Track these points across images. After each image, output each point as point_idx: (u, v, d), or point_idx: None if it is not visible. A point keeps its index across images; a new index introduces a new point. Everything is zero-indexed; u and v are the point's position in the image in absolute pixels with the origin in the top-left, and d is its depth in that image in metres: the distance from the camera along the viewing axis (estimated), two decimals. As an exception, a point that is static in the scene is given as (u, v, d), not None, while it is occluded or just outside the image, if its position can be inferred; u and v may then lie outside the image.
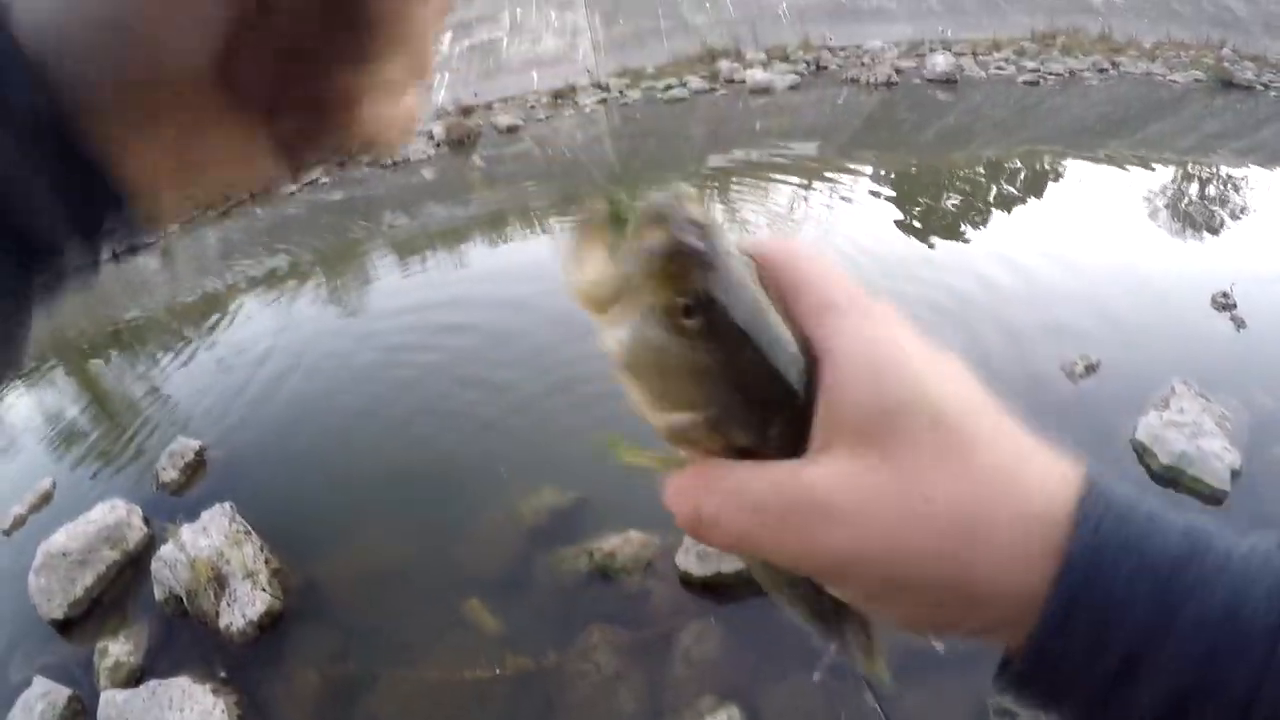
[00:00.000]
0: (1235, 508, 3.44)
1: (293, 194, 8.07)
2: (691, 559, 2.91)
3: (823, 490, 0.30)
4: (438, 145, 9.22)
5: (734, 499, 0.31)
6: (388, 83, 0.31)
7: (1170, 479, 3.54)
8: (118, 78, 0.27)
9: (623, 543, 3.03)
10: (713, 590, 2.89)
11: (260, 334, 5.68)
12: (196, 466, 4.11)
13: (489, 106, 10.54)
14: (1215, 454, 3.58)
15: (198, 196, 0.32)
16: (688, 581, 2.92)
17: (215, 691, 2.73)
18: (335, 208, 7.95)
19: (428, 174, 8.81)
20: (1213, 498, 3.47)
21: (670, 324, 0.30)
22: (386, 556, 3.29)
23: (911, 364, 0.30)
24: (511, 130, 9.86)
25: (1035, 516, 0.29)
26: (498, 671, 2.71)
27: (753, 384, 0.31)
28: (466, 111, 10.03)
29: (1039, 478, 0.30)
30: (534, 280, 5.50)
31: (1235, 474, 3.56)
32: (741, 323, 0.30)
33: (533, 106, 10.85)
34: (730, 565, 2.88)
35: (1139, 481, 3.53)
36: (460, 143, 9.26)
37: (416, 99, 0.33)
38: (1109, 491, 0.30)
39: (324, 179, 8.38)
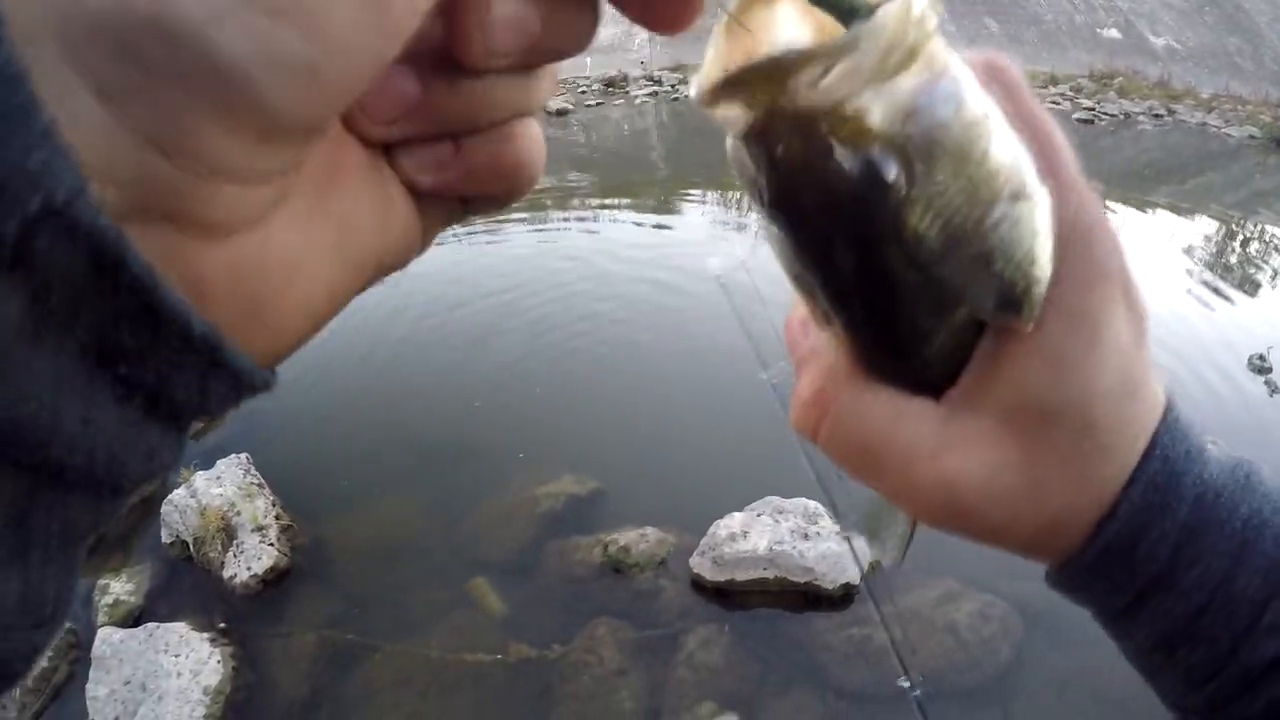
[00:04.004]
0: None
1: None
2: (706, 563, 2.90)
3: (953, 476, 0.29)
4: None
5: (844, 429, 0.31)
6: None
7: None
8: None
9: (638, 538, 3.02)
10: (724, 596, 2.88)
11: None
12: (215, 414, 4.11)
13: (543, 89, 10.57)
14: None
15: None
16: (700, 585, 2.90)
17: (213, 641, 2.73)
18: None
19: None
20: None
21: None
22: (397, 526, 3.28)
23: (1103, 369, 0.29)
24: (561, 114, 9.82)
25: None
26: (498, 656, 2.69)
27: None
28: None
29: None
30: (571, 269, 5.49)
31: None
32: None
33: (584, 92, 10.82)
34: (744, 574, 2.86)
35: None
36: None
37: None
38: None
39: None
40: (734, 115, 0.25)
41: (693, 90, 0.25)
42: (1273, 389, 4.92)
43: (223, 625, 2.85)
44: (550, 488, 3.33)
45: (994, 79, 0.27)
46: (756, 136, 0.25)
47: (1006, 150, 0.25)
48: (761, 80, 0.23)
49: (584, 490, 3.32)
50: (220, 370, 0.17)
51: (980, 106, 0.25)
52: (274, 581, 3.00)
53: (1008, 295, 0.27)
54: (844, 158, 0.23)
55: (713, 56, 0.25)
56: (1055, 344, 0.28)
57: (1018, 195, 0.26)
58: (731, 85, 0.24)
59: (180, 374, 0.17)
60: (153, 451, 0.18)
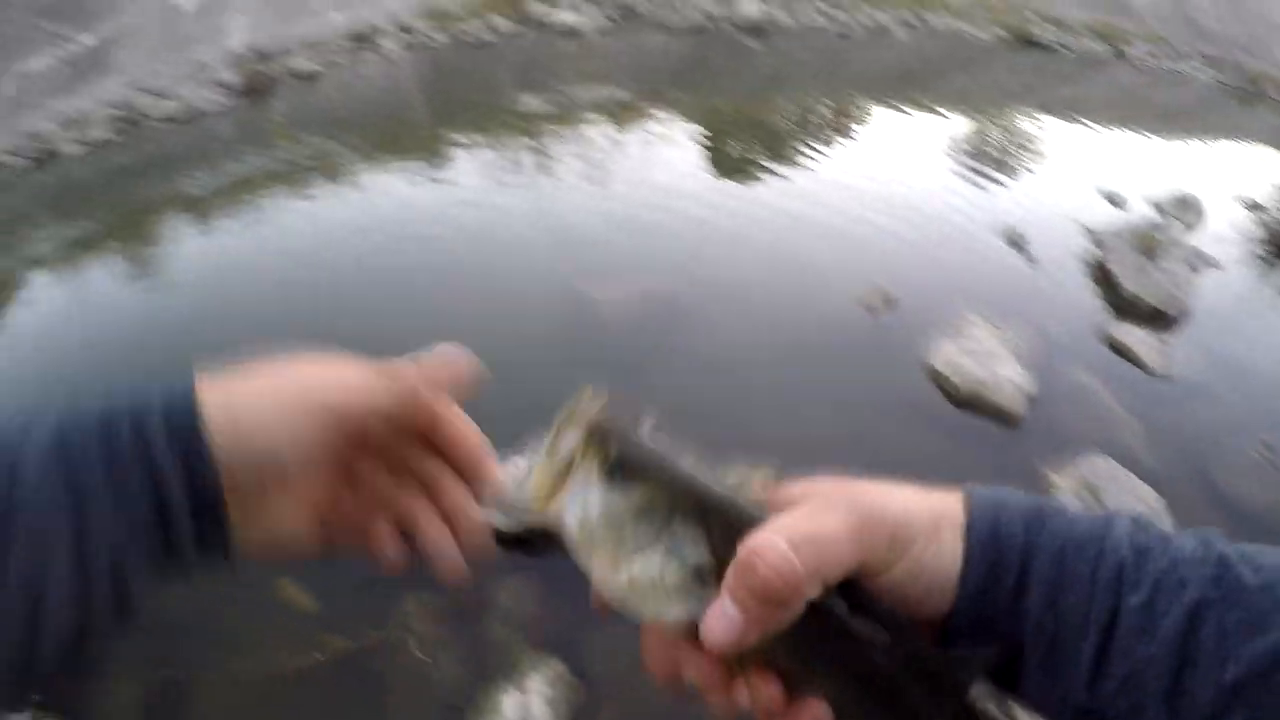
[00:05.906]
0: (1029, 428, 3.65)
1: (80, 157, 7.06)
2: (499, 516, 2.77)
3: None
4: (234, 95, 8.38)
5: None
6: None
7: (969, 404, 3.71)
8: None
9: (428, 504, 2.85)
10: (524, 546, 2.77)
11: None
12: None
13: (288, 52, 9.69)
14: (1009, 379, 3.79)
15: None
16: (499, 539, 2.78)
17: (31, 715, 2.41)
18: (126, 170, 7.08)
19: (224, 127, 8.04)
20: (1009, 420, 3.67)
21: (604, 481, 0.39)
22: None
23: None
24: (311, 77, 9.15)
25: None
26: (318, 656, 2.55)
27: (685, 497, 0.39)
28: (263, 58, 9.19)
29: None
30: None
31: (1029, 397, 3.78)
32: (654, 464, 0.40)
33: (334, 50, 10.10)
34: (538, 519, 2.76)
35: (939, 407, 3.69)
36: (257, 91, 8.48)
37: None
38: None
39: (114, 137, 7.40)
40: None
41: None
42: (1028, 259, 5.34)
43: (37, 698, 2.48)
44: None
45: None
46: None
47: None
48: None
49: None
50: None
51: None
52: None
53: None
54: None
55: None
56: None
57: None
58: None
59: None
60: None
